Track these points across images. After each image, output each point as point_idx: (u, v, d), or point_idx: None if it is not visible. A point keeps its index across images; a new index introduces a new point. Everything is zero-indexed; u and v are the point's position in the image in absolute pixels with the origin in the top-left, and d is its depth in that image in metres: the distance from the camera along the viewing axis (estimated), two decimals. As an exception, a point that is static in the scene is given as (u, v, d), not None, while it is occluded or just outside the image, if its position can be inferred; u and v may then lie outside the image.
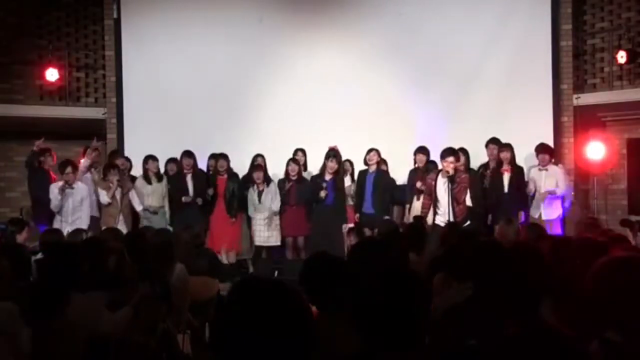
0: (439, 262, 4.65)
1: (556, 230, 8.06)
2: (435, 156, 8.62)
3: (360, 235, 8.33)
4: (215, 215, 8.63)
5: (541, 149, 8.34)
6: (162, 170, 8.84)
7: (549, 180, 8.18)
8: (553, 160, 8.41)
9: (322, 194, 8.13)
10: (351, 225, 8.63)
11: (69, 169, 7.94)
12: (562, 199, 8.34)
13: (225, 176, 8.66)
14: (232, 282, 7.85)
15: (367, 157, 8.59)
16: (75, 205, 7.94)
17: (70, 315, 3.24)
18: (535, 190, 8.23)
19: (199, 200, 8.56)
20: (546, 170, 8.21)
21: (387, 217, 8.37)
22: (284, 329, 1.47)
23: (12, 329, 3.04)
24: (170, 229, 7.75)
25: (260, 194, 8.45)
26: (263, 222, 8.45)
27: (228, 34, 9.93)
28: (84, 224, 7.79)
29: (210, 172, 8.92)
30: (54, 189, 7.95)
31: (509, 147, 8.32)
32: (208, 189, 8.69)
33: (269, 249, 8.58)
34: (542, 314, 2.45)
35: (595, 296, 2.34)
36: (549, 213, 8.20)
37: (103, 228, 7.79)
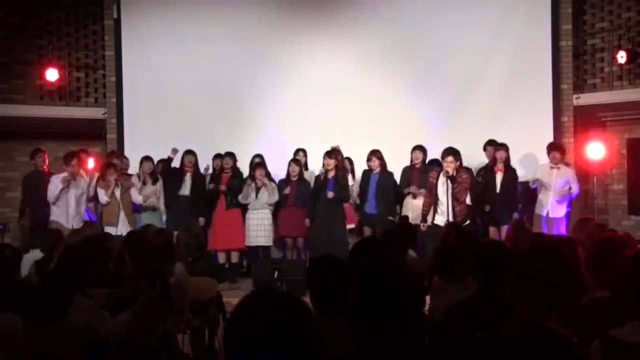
0: (439, 263, 4.66)
1: (561, 229, 8.04)
2: (433, 156, 8.66)
3: (361, 235, 8.37)
4: (217, 213, 8.61)
5: (552, 147, 8.34)
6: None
7: (559, 180, 8.18)
8: (562, 160, 8.38)
9: (330, 195, 8.15)
10: (352, 225, 8.65)
11: (74, 161, 8.03)
12: (570, 199, 8.33)
13: (230, 174, 8.66)
14: (231, 281, 7.86)
15: (369, 163, 8.58)
16: (77, 198, 8.04)
17: (71, 317, 3.23)
18: (538, 187, 8.23)
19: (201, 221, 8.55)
20: (557, 168, 8.20)
21: (390, 218, 8.38)
22: (293, 342, 1.48)
23: (15, 343, 2.98)
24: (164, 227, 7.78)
25: (258, 190, 8.45)
26: (256, 221, 8.45)
27: (228, 34, 9.92)
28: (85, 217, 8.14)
29: (216, 171, 8.88)
30: (55, 180, 7.99)
31: (504, 147, 8.32)
32: (209, 184, 8.67)
33: (264, 249, 8.57)
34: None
35: (624, 287, 2.35)
36: (556, 212, 8.20)
37: (105, 227, 7.84)
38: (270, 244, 8.56)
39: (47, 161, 8.62)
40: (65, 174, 8.01)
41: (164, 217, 8.65)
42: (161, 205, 8.68)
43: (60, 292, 3.26)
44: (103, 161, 8.94)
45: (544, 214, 8.19)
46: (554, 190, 8.13)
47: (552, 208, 8.18)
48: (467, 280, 3.37)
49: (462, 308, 2.98)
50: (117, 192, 8.16)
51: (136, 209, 8.46)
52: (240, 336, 1.50)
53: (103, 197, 8.12)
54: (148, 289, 3.39)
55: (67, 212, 7.96)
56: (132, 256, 4.81)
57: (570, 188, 8.19)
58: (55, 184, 7.97)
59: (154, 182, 8.65)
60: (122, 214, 8.13)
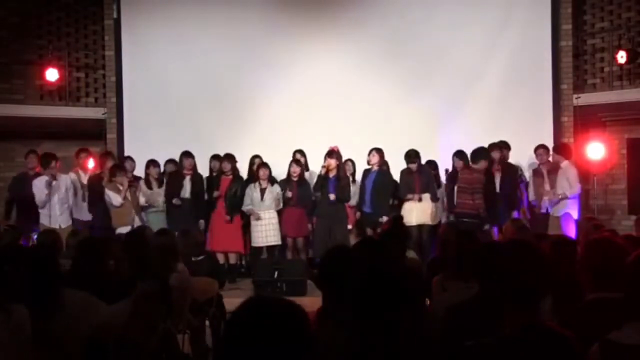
0: (438, 263, 4.66)
1: (566, 227, 8.02)
2: (432, 155, 8.67)
3: (362, 235, 8.37)
4: (216, 215, 8.59)
5: (554, 149, 8.41)
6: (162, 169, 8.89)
7: (561, 180, 8.16)
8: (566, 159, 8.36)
9: (332, 197, 8.20)
10: (350, 225, 8.66)
11: (52, 163, 8.03)
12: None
13: (230, 177, 8.63)
14: (230, 281, 7.84)
15: (368, 158, 8.60)
16: (61, 198, 8.04)
17: (69, 309, 3.23)
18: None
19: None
20: (560, 168, 8.20)
21: (385, 218, 8.37)
22: (288, 349, 1.48)
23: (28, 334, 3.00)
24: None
25: (262, 191, 8.43)
26: (263, 222, 8.43)
27: (228, 34, 9.93)
28: (73, 214, 8.23)
29: (214, 174, 8.86)
30: (38, 184, 7.99)
31: (499, 146, 8.34)
32: (209, 190, 8.65)
33: (270, 248, 8.57)
34: (542, 314, 2.45)
35: (630, 288, 2.35)
36: (557, 210, 8.18)
37: (117, 229, 7.84)
38: (280, 242, 8.52)
39: (36, 163, 8.56)
40: (45, 177, 7.98)
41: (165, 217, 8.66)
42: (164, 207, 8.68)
43: (48, 287, 3.25)
44: (103, 161, 8.91)
45: (544, 210, 8.20)
46: (557, 194, 8.13)
47: (552, 205, 8.18)
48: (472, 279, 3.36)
49: (463, 309, 2.98)
50: (128, 194, 8.16)
51: None
52: (237, 345, 1.50)
53: (117, 199, 8.05)
54: (147, 287, 3.38)
55: (52, 213, 7.97)
56: (132, 255, 4.80)
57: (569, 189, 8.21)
58: (39, 187, 7.97)
59: (160, 185, 8.65)
60: (133, 214, 8.12)
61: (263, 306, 1.56)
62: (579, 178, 8.31)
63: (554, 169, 8.30)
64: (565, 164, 8.27)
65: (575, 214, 8.17)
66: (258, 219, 8.37)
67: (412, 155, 8.45)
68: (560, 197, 8.11)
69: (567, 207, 8.19)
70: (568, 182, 8.15)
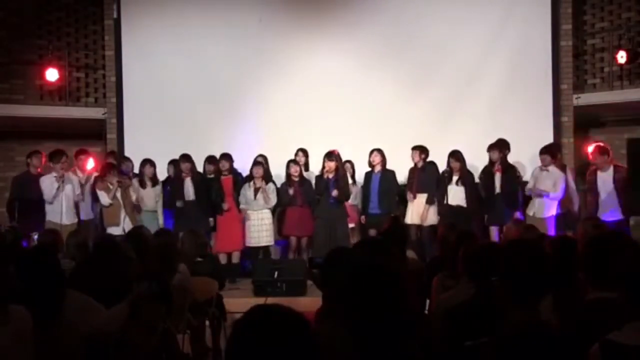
0: (438, 263, 4.66)
1: (550, 228, 8.00)
2: (432, 155, 8.65)
3: (364, 235, 8.36)
4: (224, 215, 8.54)
5: (543, 150, 8.32)
6: (164, 171, 8.90)
7: (547, 182, 8.14)
8: (554, 162, 8.30)
9: (334, 193, 8.17)
10: (351, 225, 8.65)
11: (63, 158, 8.08)
12: (560, 201, 8.26)
13: (230, 176, 8.59)
14: (230, 281, 7.80)
15: (370, 158, 8.60)
16: (68, 194, 8.09)
17: (69, 311, 3.23)
18: (532, 194, 8.22)
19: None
20: (547, 170, 8.18)
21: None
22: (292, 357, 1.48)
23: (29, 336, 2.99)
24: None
25: (256, 191, 8.42)
26: (256, 221, 8.41)
27: (228, 34, 9.93)
28: (82, 213, 8.32)
29: (211, 175, 8.82)
30: (46, 180, 8.04)
31: (497, 146, 8.30)
32: (209, 192, 8.60)
33: (265, 248, 8.56)
34: (542, 314, 2.45)
35: (630, 288, 2.36)
36: (541, 212, 8.16)
37: (107, 229, 7.92)
38: (272, 243, 8.51)
39: (42, 163, 8.58)
40: (54, 174, 8.03)
41: (161, 220, 8.64)
42: (158, 208, 8.68)
43: (53, 288, 3.25)
44: (102, 161, 8.93)
45: (531, 213, 8.19)
46: (537, 190, 8.11)
47: (538, 208, 8.16)
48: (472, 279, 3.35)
49: (462, 309, 2.98)
50: (118, 193, 8.17)
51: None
52: (242, 355, 1.50)
53: (105, 199, 8.12)
54: (146, 287, 3.38)
55: (60, 210, 7.98)
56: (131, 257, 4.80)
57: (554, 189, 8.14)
58: (47, 184, 8.01)
59: (153, 185, 8.65)
60: (122, 214, 8.14)
61: (268, 315, 1.56)
62: (564, 182, 8.26)
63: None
64: (552, 167, 8.19)
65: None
66: (248, 219, 8.37)
67: (413, 148, 8.47)
68: (541, 194, 8.07)
69: (551, 209, 8.15)
70: (553, 183, 8.10)
